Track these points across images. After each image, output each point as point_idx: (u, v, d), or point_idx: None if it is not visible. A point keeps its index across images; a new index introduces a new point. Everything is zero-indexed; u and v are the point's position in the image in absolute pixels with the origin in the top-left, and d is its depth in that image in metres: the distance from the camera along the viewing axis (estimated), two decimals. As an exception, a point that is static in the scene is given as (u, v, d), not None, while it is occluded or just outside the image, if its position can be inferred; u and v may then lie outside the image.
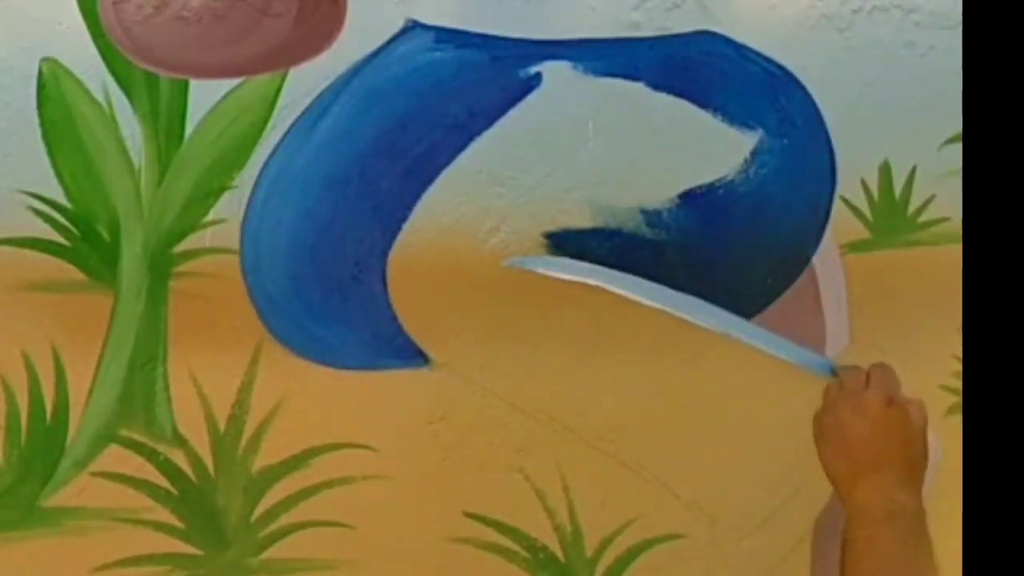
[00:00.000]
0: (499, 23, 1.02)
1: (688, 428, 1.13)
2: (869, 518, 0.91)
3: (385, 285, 1.03)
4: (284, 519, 1.05)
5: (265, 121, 0.99)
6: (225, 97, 0.98)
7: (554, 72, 1.04)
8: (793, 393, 1.11)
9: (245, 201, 0.99)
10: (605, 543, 1.12)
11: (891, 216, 1.15)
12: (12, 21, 0.94)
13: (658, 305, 1.09)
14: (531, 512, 1.11)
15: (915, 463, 0.95)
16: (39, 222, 0.96)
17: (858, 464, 0.94)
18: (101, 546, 1.02)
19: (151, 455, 1.02)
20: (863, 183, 1.13)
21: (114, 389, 1.00)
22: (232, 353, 1.02)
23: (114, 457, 1.01)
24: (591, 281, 1.07)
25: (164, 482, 1.02)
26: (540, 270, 1.02)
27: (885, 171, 1.13)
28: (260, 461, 1.04)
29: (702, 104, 1.07)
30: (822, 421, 0.98)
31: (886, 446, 0.94)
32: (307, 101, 0.99)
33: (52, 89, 0.95)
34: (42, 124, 0.95)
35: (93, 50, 0.95)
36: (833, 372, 1.05)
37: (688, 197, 1.09)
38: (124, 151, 0.97)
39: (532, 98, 1.04)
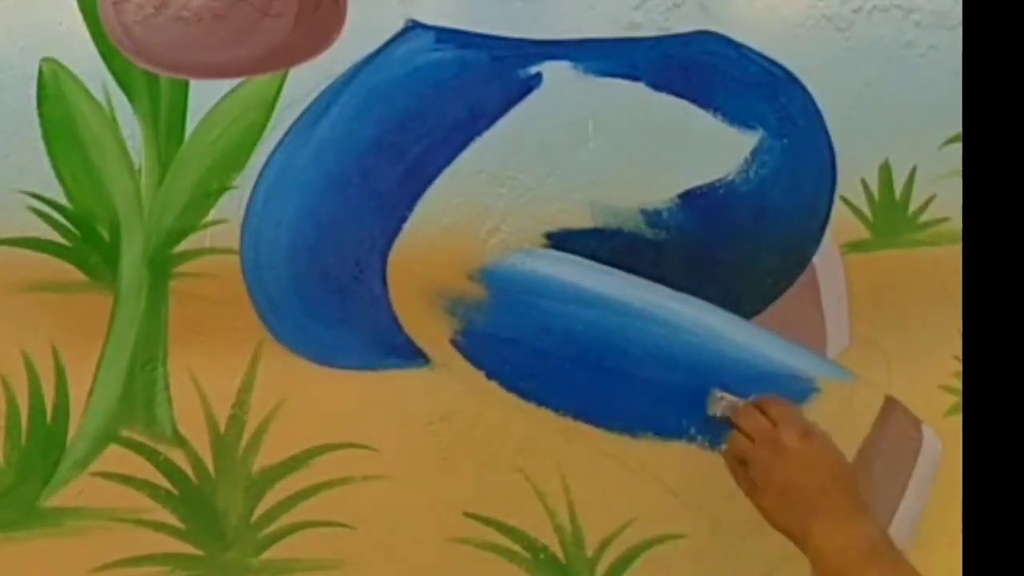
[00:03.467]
0: (499, 23, 1.02)
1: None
2: (847, 559, 0.87)
3: (385, 285, 1.04)
4: (284, 519, 1.05)
5: (265, 121, 0.99)
6: (225, 97, 0.98)
7: (554, 72, 1.04)
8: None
9: (245, 201, 0.99)
10: (605, 543, 1.12)
11: (891, 216, 1.15)
12: (12, 21, 0.94)
13: (658, 305, 1.09)
14: (531, 512, 1.11)
15: (854, 487, 0.93)
16: (39, 222, 0.96)
17: (804, 508, 0.91)
18: (101, 546, 1.02)
19: (151, 455, 1.02)
20: (863, 183, 1.13)
21: (114, 389, 1.00)
22: (232, 353, 1.02)
23: (114, 457, 1.01)
24: (588, 283, 1.08)
25: (164, 482, 1.02)
26: None
27: (885, 171, 1.13)
28: (260, 461, 1.04)
29: (702, 104, 1.07)
30: (749, 475, 0.95)
31: (821, 481, 0.92)
32: (307, 101, 0.99)
33: (52, 89, 0.95)
34: (42, 124, 0.95)
35: (93, 50, 0.95)
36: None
37: (688, 197, 1.09)
38: (124, 151, 0.97)
39: (532, 98, 1.04)
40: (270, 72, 0.98)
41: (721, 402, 1.04)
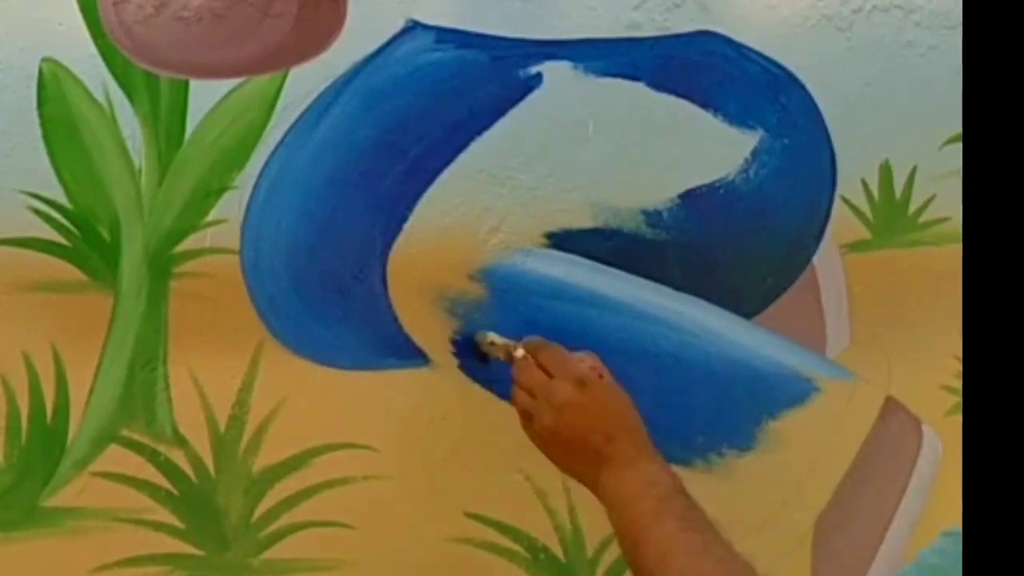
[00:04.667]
0: (499, 23, 1.02)
1: (688, 428, 1.13)
2: (638, 512, 0.86)
3: (385, 285, 1.04)
4: (285, 519, 1.05)
5: (265, 121, 0.99)
6: (225, 97, 0.98)
7: (554, 72, 1.04)
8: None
9: (245, 201, 0.99)
10: (606, 543, 1.12)
11: (891, 216, 1.15)
12: (12, 21, 0.94)
13: (658, 305, 1.09)
14: (531, 512, 1.11)
15: (636, 427, 0.92)
16: (39, 222, 0.96)
17: (590, 456, 0.91)
18: (101, 546, 1.02)
19: (152, 455, 1.02)
20: (863, 183, 1.13)
21: (114, 389, 1.00)
22: (232, 353, 1.02)
23: (114, 457, 1.01)
24: (589, 283, 1.08)
25: (165, 482, 1.02)
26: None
27: (885, 171, 1.13)
28: (261, 461, 1.04)
29: (702, 104, 1.07)
30: (535, 432, 0.94)
31: (603, 426, 0.91)
32: (307, 101, 0.99)
33: (52, 89, 0.95)
34: (42, 124, 0.95)
35: (93, 50, 0.95)
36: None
37: (688, 197, 1.09)
38: (124, 151, 0.97)
39: (532, 98, 1.04)
40: (270, 72, 0.98)
41: (492, 347, 1.01)
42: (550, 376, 0.94)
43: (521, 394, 0.96)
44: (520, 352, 0.98)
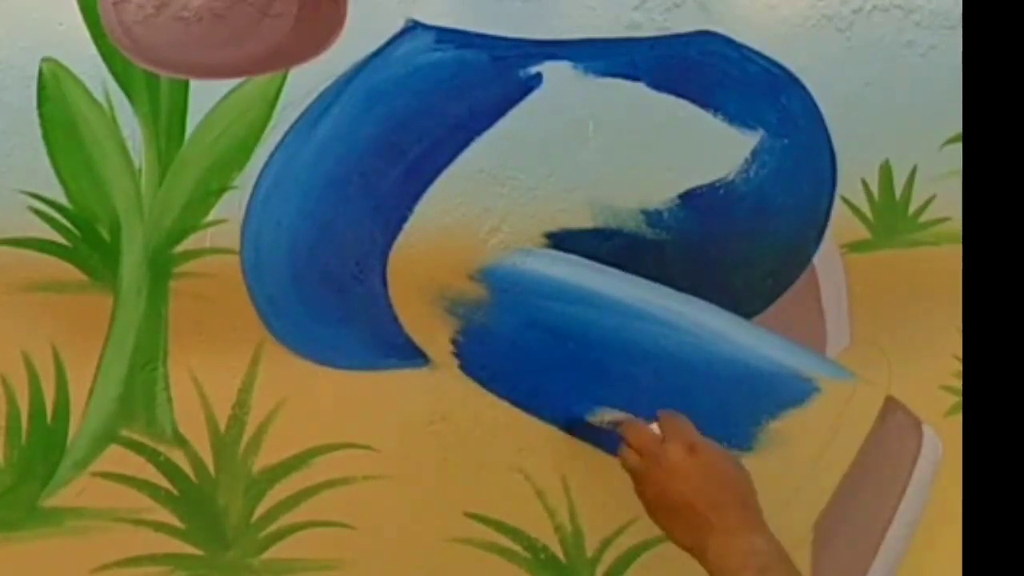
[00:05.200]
0: (499, 23, 1.02)
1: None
2: (737, 573, 0.87)
3: (385, 285, 1.04)
4: (285, 519, 1.05)
5: (265, 121, 0.99)
6: (225, 97, 0.98)
7: (554, 72, 1.04)
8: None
9: (245, 201, 0.99)
10: (606, 543, 1.12)
11: (891, 216, 1.15)
12: (12, 21, 0.94)
13: (658, 305, 1.09)
14: (531, 512, 1.11)
15: (747, 497, 0.92)
16: (39, 222, 0.96)
17: (697, 523, 0.90)
18: (102, 546, 1.02)
19: (152, 455, 1.02)
20: (863, 183, 1.13)
21: (114, 389, 1.00)
22: (232, 353, 1.02)
23: (114, 457, 1.01)
24: (589, 283, 1.08)
25: (165, 482, 1.02)
26: None
27: (885, 171, 1.13)
28: (261, 461, 1.04)
29: (702, 104, 1.07)
30: (647, 496, 0.94)
31: (711, 496, 0.91)
32: (307, 101, 0.99)
33: (52, 89, 0.95)
34: (42, 124, 0.95)
35: (93, 50, 0.95)
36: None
37: (689, 197, 1.09)
38: (124, 151, 0.97)
39: (532, 98, 1.04)
40: (270, 72, 0.98)
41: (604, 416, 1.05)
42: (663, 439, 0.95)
43: (629, 453, 0.96)
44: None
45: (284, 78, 0.99)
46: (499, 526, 1.10)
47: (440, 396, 1.06)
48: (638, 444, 0.96)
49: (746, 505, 0.91)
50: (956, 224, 1.15)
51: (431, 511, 1.08)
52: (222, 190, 0.99)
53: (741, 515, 0.90)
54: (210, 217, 0.99)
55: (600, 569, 1.13)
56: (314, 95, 0.99)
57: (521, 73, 1.04)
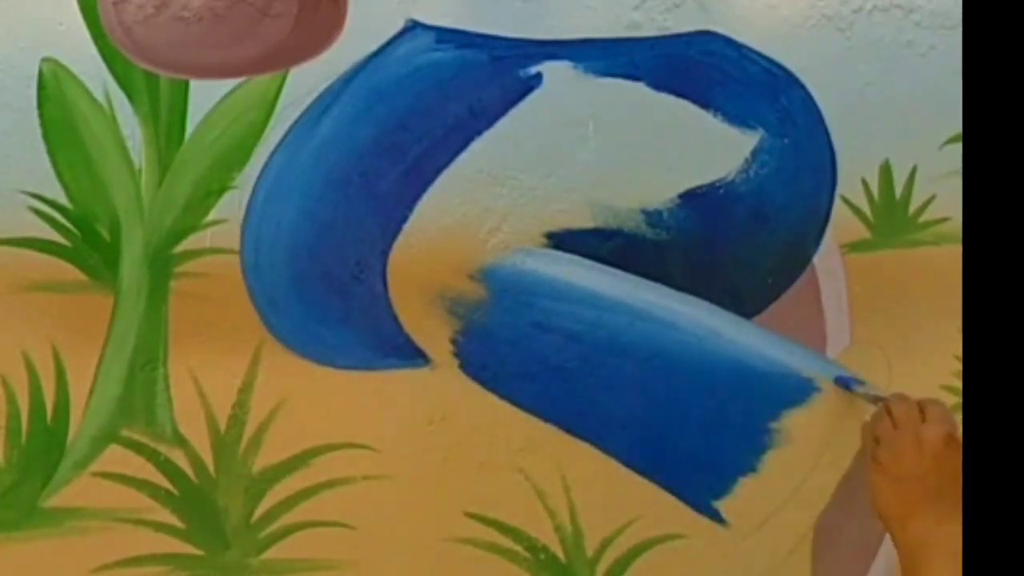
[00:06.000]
0: (499, 23, 1.02)
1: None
2: (929, 554, 0.91)
3: (385, 285, 1.04)
4: (285, 519, 1.05)
5: (265, 121, 0.99)
6: (225, 97, 0.98)
7: (554, 72, 1.04)
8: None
9: (245, 201, 0.99)
10: (606, 543, 1.12)
11: (891, 216, 1.15)
12: (12, 21, 0.94)
13: (658, 305, 1.09)
14: (532, 512, 1.11)
15: (959, 497, 0.94)
16: (39, 222, 0.96)
17: (913, 501, 0.95)
18: (101, 546, 1.02)
19: (152, 455, 1.02)
20: (863, 183, 1.13)
21: (115, 389, 1.00)
22: (233, 353, 1.02)
23: (115, 457, 1.01)
24: (589, 283, 1.08)
25: (165, 482, 1.02)
26: None
27: (885, 171, 1.13)
28: (261, 461, 1.04)
29: (702, 104, 1.07)
30: (879, 455, 0.98)
31: (943, 483, 0.95)
32: (307, 101, 0.99)
33: (52, 89, 0.95)
34: (42, 124, 0.95)
35: (93, 50, 0.95)
36: (839, 378, 1.04)
37: (688, 197, 1.09)
38: (124, 151, 0.97)
39: (532, 98, 1.04)
40: (270, 72, 0.98)
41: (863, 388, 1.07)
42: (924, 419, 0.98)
43: (884, 419, 1.00)
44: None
45: (284, 78, 0.99)
46: (499, 526, 1.10)
47: (440, 396, 1.06)
48: (899, 413, 0.99)
49: (955, 506, 0.93)
50: (956, 224, 1.15)
51: (431, 511, 1.08)
52: (222, 190, 0.99)
53: (952, 508, 0.93)
54: (210, 217, 0.99)
55: (600, 569, 1.13)
56: (314, 95, 0.99)
57: (521, 73, 1.04)
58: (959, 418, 1.18)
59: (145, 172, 0.98)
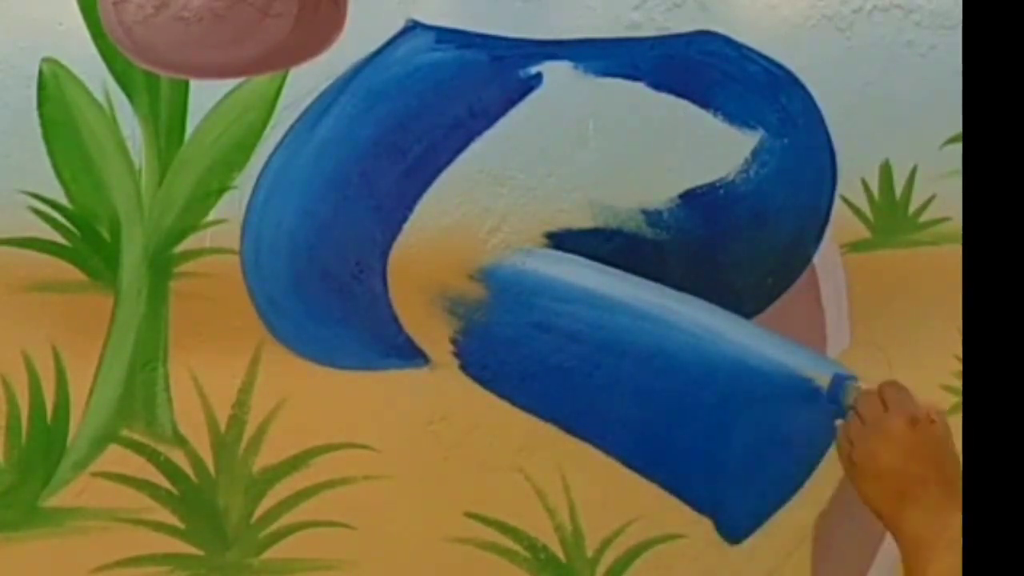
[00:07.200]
0: (499, 23, 1.02)
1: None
2: (928, 547, 0.91)
3: (385, 285, 1.04)
4: (285, 519, 1.05)
5: (265, 121, 0.99)
6: (225, 97, 0.98)
7: (554, 72, 1.04)
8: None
9: (245, 201, 0.99)
10: (606, 543, 1.12)
11: (892, 216, 1.15)
12: (12, 21, 0.94)
13: (658, 305, 1.09)
14: (532, 512, 1.11)
15: (954, 478, 0.94)
16: (39, 222, 0.96)
17: (899, 494, 0.94)
18: (101, 546, 1.02)
19: (152, 455, 1.02)
20: (863, 183, 1.13)
21: (115, 389, 1.00)
22: (233, 353, 1.02)
23: (114, 457, 1.01)
24: (589, 283, 1.08)
25: (165, 482, 1.02)
26: None
27: (885, 171, 1.13)
28: (261, 461, 1.04)
29: (702, 104, 1.08)
30: (854, 457, 0.98)
31: (921, 469, 0.94)
32: (307, 101, 0.99)
33: (52, 89, 0.95)
34: (42, 124, 0.95)
35: (93, 50, 0.95)
36: (837, 378, 1.04)
37: (688, 197, 1.09)
38: (124, 151, 0.97)
39: (532, 98, 1.04)
40: (270, 72, 0.98)
41: (854, 391, 1.05)
42: (886, 409, 0.97)
43: (854, 420, 0.99)
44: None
45: (284, 78, 0.99)
46: (499, 526, 1.10)
47: (440, 396, 1.06)
48: (863, 411, 0.99)
49: (949, 483, 0.94)
50: (956, 224, 1.15)
51: (431, 511, 1.08)
52: (222, 190, 0.99)
53: (943, 492, 0.93)
54: (210, 217, 0.99)
55: (600, 569, 1.13)
56: (314, 95, 0.99)
57: (521, 73, 1.04)
58: (959, 419, 1.18)
59: (145, 172, 0.98)
